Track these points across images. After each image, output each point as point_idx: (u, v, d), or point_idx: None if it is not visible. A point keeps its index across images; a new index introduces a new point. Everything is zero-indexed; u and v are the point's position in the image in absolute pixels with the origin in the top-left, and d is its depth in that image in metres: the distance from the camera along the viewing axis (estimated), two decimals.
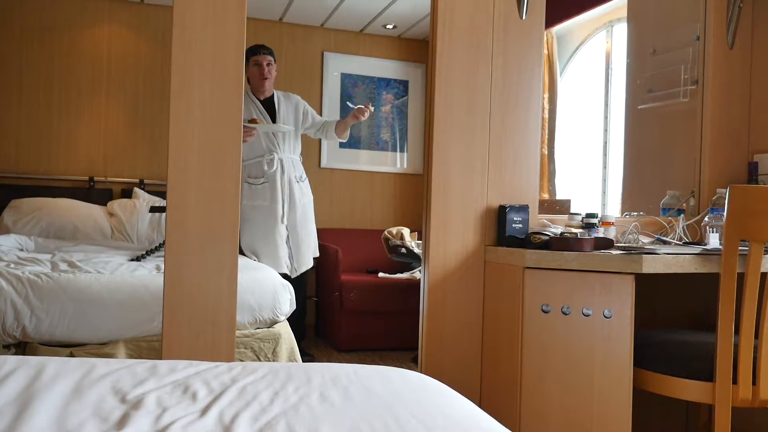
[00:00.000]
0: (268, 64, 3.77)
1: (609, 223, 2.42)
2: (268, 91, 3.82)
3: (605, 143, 3.68)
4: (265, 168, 3.70)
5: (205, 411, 1.16)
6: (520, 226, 2.34)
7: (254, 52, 3.73)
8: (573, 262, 2.05)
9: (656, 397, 2.16)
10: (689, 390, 1.96)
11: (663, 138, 3.02)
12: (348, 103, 4.04)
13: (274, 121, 3.78)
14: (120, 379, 1.32)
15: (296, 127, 3.86)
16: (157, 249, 3.41)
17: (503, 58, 2.42)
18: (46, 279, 2.66)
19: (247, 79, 3.75)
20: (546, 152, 3.71)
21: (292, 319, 3.81)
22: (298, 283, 3.76)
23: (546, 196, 3.62)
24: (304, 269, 3.85)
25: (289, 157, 3.80)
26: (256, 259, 3.66)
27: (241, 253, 3.61)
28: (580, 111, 4.04)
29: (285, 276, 3.57)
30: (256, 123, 3.57)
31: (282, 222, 3.71)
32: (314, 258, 4.00)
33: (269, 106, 3.82)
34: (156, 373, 1.38)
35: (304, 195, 3.87)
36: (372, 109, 3.72)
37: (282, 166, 3.73)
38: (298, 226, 3.79)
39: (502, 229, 2.34)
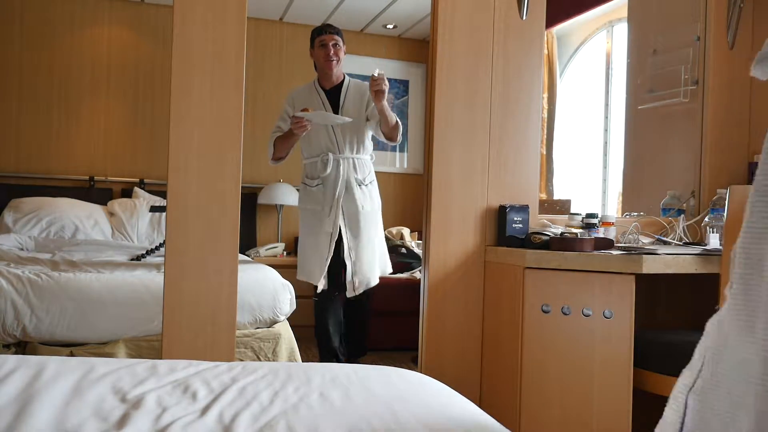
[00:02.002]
0: (335, 45, 3.21)
1: (609, 224, 2.42)
2: (336, 77, 3.26)
3: (605, 143, 3.68)
4: (319, 169, 3.16)
5: (205, 411, 1.16)
6: (521, 226, 2.34)
7: (320, 31, 3.23)
8: (573, 263, 2.05)
9: (656, 398, 2.15)
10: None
11: (663, 138, 3.02)
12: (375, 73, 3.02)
13: (336, 113, 3.19)
14: (120, 378, 1.32)
15: (360, 121, 3.20)
16: (157, 249, 3.41)
17: (503, 59, 2.42)
18: (46, 278, 2.66)
19: (314, 65, 3.28)
20: (544, 152, 3.70)
21: (352, 340, 3.40)
22: (361, 302, 3.33)
23: (544, 196, 3.62)
24: (364, 288, 3.17)
25: (350, 157, 3.19)
26: (306, 263, 3.20)
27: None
28: (580, 111, 4.04)
29: (326, 293, 3.16)
30: (308, 111, 2.98)
31: (333, 234, 3.13)
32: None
33: (335, 95, 3.25)
34: (156, 372, 1.38)
35: (367, 201, 3.23)
36: (381, 74, 2.90)
37: (338, 168, 3.15)
38: (361, 238, 3.16)
39: (503, 229, 2.34)
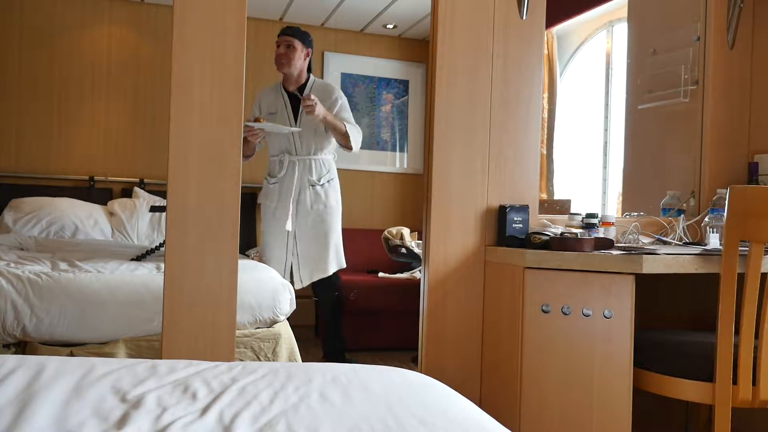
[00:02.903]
0: (289, 46, 3.31)
1: (609, 224, 2.42)
2: (296, 79, 3.38)
3: (605, 143, 3.68)
4: (277, 169, 3.40)
5: (205, 411, 1.16)
6: (521, 226, 2.34)
7: (279, 34, 3.36)
8: (573, 263, 2.05)
9: (656, 398, 2.15)
10: (689, 390, 1.96)
11: (663, 138, 3.02)
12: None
13: (296, 117, 3.35)
14: (120, 378, 1.32)
15: (317, 124, 3.33)
16: (157, 248, 3.40)
17: (503, 58, 2.42)
18: (46, 278, 2.66)
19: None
20: (544, 152, 3.70)
21: (327, 339, 3.64)
22: (330, 299, 3.61)
23: (544, 195, 3.62)
24: (308, 281, 3.47)
25: (307, 158, 3.37)
26: (268, 257, 3.48)
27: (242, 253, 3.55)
28: (580, 111, 4.04)
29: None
30: (260, 122, 3.18)
31: (286, 228, 3.36)
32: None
33: (298, 97, 3.36)
34: (156, 372, 1.38)
35: (319, 200, 3.41)
36: (312, 101, 3.11)
37: (293, 169, 3.35)
38: (305, 235, 3.41)
39: (503, 229, 2.34)
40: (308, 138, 3.37)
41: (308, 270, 3.46)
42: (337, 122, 3.27)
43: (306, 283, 3.48)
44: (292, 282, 3.41)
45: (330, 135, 3.38)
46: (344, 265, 3.59)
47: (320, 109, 3.17)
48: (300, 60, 3.35)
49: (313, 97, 3.13)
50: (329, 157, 3.46)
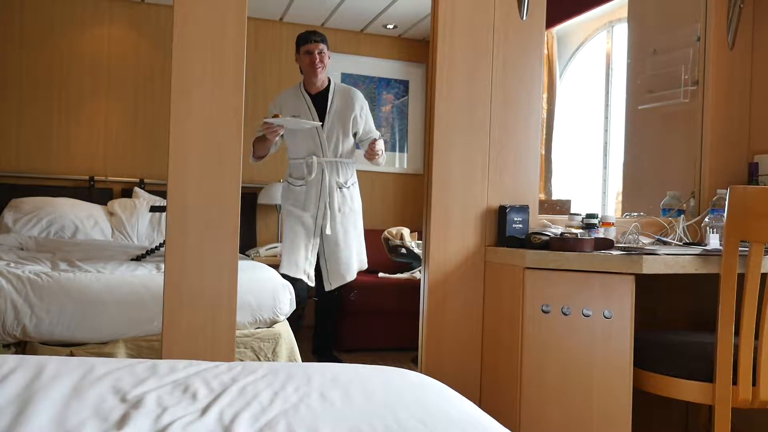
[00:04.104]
0: (320, 53, 3.33)
1: (609, 224, 2.42)
2: (321, 83, 3.39)
3: (605, 143, 3.68)
4: (304, 171, 3.34)
5: (205, 411, 1.16)
6: (521, 226, 2.34)
7: (306, 40, 3.34)
8: (573, 263, 2.05)
9: (656, 398, 2.16)
10: (689, 390, 1.96)
11: (663, 138, 3.02)
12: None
13: (321, 119, 3.35)
14: (120, 378, 1.32)
15: (343, 127, 3.38)
16: (157, 249, 3.40)
17: (503, 59, 2.42)
18: (46, 278, 2.66)
19: (300, 69, 3.42)
20: (543, 153, 3.70)
21: (320, 337, 3.63)
22: (332, 297, 3.59)
23: (542, 196, 3.61)
24: (338, 284, 3.45)
25: (334, 160, 3.37)
26: (288, 259, 3.39)
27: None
28: (580, 111, 4.04)
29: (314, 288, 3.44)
30: (278, 117, 3.15)
31: (315, 232, 3.35)
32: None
33: (321, 100, 3.40)
34: (156, 372, 1.38)
35: (346, 203, 3.43)
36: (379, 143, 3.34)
37: (323, 172, 3.33)
38: (335, 237, 3.39)
39: (503, 229, 2.34)
40: (335, 140, 3.37)
41: (338, 273, 3.43)
42: (381, 154, 3.40)
43: (335, 285, 3.45)
44: (321, 285, 3.44)
45: (350, 139, 3.42)
46: (365, 266, 3.60)
47: (382, 155, 3.40)
48: (328, 64, 3.41)
49: (379, 148, 3.33)
50: (351, 161, 3.48)
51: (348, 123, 3.38)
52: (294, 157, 3.40)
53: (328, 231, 3.33)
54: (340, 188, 3.39)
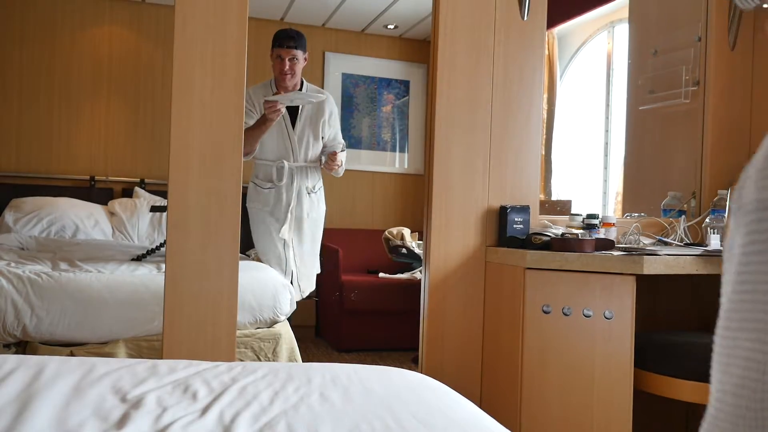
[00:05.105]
0: (292, 59, 3.19)
1: (610, 224, 2.42)
2: (291, 86, 3.28)
3: (606, 144, 3.68)
4: (274, 176, 3.25)
5: (205, 411, 1.16)
6: (521, 226, 2.34)
7: (279, 43, 3.21)
8: (574, 263, 2.05)
9: (657, 398, 2.15)
10: (689, 391, 1.96)
11: (664, 139, 3.02)
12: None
13: (293, 123, 3.26)
14: (120, 378, 1.32)
15: (314, 131, 3.31)
16: (157, 248, 3.40)
17: (504, 59, 2.42)
18: (46, 278, 2.66)
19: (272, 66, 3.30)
20: (543, 153, 3.70)
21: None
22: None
23: (542, 196, 3.61)
24: (307, 291, 3.41)
25: (303, 165, 3.30)
26: (266, 262, 3.35)
27: (243, 253, 3.51)
28: (580, 112, 4.04)
29: None
30: (279, 95, 3.04)
31: (285, 237, 3.27)
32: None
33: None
34: (156, 372, 1.38)
35: (314, 209, 3.38)
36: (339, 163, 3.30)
37: (293, 177, 3.27)
38: (304, 244, 3.34)
39: (503, 229, 2.34)
40: (305, 144, 3.31)
41: (307, 279, 3.40)
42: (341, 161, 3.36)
43: (306, 293, 3.40)
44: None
45: (320, 144, 3.35)
46: (318, 271, 3.56)
47: (342, 166, 3.37)
48: (300, 69, 3.28)
49: (340, 160, 3.28)
50: (318, 166, 3.41)
51: (318, 127, 3.31)
52: (262, 158, 3.30)
53: (285, 235, 3.26)
54: (308, 193, 3.34)
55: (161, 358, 1.90)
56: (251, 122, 3.12)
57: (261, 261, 3.40)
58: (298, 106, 3.28)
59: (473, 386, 2.36)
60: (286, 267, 3.31)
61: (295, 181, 3.28)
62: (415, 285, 3.75)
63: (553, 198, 3.79)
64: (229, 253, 2.07)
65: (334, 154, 3.27)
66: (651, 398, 2.20)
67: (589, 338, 2.04)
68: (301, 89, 3.30)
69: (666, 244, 2.42)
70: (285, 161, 3.25)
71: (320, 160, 3.38)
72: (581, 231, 2.31)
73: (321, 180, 3.45)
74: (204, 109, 2.05)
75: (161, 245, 3.39)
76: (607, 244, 2.19)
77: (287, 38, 3.22)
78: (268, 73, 4.52)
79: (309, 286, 3.41)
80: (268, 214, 3.30)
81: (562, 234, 2.23)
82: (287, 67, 3.19)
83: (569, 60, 4.03)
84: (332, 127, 3.38)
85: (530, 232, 2.31)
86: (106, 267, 2.91)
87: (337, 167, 3.30)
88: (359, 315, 4.25)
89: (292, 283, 3.29)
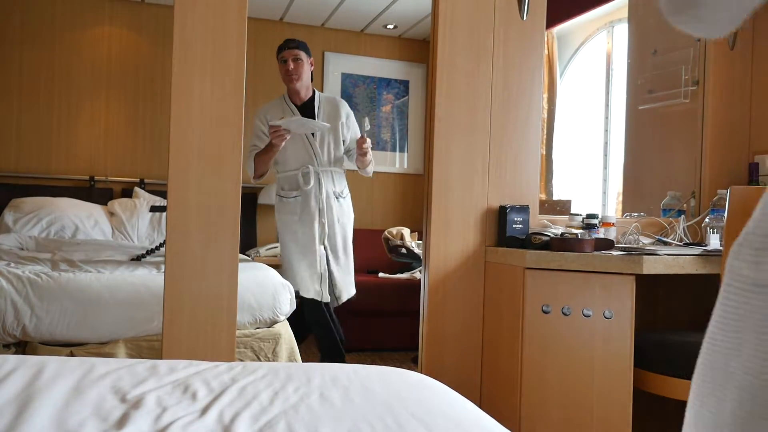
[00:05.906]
0: (295, 60, 3.18)
1: (609, 224, 2.42)
2: (305, 93, 3.26)
3: (606, 144, 3.68)
4: (301, 183, 3.17)
5: (205, 411, 1.16)
6: (521, 226, 2.34)
7: (281, 47, 3.23)
8: (573, 263, 2.05)
9: (656, 398, 2.15)
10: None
11: (663, 139, 3.02)
12: (366, 119, 3.31)
13: (312, 132, 3.19)
14: (120, 378, 1.32)
15: (334, 134, 3.26)
16: (157, 248, 3.40)
17: (504, 59, 2.42)
18: (46, 278, 2.66)
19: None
20: (544, 153, 3.70)
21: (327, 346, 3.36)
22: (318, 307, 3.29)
23: (543, 196, 3.61)
24: (346, 297, 3.30)
25: (329, 169, 3.24)
26: (297, 272, 3.24)
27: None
28: (580, 111, 4.04)
29: (318, 302, 3.22)
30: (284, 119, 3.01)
31: (319, 244, 3.18)
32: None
33: (308, 109, 3.27)
34: (156, 372, 1.38)
35: (344, 214, 3.30)
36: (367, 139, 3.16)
37: (320, 181, 3.20)
38: (339, 249, 3.25)
39: (503, 229, 2.34)
40: (328, 149, 3.25)
41: (344, 287, 3.30)
42: (371, 159, 3.28)
43: (342, 301, 3.30)
44: (329, 301, 3.27)
45: (341, 147, 3.31)
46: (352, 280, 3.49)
47: (370, 152, 3.24)
48: (307, 72, 3.26)
49: (368, 141, 3.15)
50: (343, 171, 3.37)
51: (337, 129, 3.27)
52: (285, 170, 3.27)
53: (322, 242, 3.19)
54: (337, 198, 3.27)
55: (161, 358, 1.90)
56: (262, 146, 3.12)
57: (287, 275, 3.26)
58: (313, 110, 3.25)
59: (473, 386, 2.36)
60: (321, 277, 3.21)
61: (323, 186, 3.21)
62: (415, 285, 3.75)
63: (553, 198, 3.79)
64: (229, 253, 2.07)
65: (362, 138, 3.16)
66: (651, 398, 2.20)
67: (589, 338, 2.04)
68: (312, 98, 3.29)
69: (665, 243, 2.42)
70: (310, 166, 3.19)
71: (343, 164, 3.34)
72: (581, 231, 2.31)
73: (347, 187, 3.39)
74: (203, 109, 2.05)
75: (161, 245, 3.39)
76: (606, 244, 2.19)
77: (288, 41, 3.25)
78: (268, 73, 4.53)
79: (347, 293, 3.32)
80: (298, 222, 3.21)
81: (562, 234, 2.23)
82: (291, 67, 3.18)
83: (569, 60, 4.03)
84: (351, 129, 3.34)
85: (530, 231, 2.31)
86: (105, 267, 2.91)
87: (367, 151, 3.16)
88: (359, 315, 4.25)
89: (335, 290, 3.25)
